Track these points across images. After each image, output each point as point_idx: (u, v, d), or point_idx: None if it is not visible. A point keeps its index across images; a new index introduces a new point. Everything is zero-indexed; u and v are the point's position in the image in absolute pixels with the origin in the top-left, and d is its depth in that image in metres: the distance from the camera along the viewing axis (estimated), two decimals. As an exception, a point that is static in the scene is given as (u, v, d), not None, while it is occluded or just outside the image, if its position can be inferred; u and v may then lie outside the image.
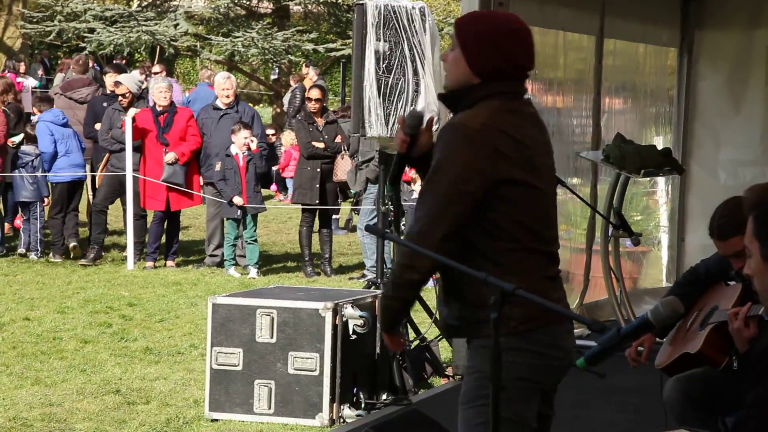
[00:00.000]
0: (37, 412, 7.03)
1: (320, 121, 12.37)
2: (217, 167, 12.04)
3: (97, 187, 13.04)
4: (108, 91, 13.55)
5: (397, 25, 7.73)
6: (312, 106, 12.45)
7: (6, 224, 13.53)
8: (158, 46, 28.15)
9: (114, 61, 22.39)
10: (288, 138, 16.78)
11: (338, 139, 12.36)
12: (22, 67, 24.67)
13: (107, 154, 12.69)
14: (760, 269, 3.11)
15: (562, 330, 3.82)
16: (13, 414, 6.97)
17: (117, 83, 12.85)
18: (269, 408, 7.06)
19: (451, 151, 3.71)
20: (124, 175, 12.33)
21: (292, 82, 21.75)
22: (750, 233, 3.12)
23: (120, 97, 12.58)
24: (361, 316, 7.08)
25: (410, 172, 12.04)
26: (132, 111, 12.58)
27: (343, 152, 12.36)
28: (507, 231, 3.76)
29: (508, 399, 3.51)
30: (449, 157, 3.72)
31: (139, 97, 13.10)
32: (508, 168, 3.73)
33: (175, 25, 25.69)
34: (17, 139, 13.48)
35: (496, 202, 3.74)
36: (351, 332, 7.09)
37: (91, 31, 25.63)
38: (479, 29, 3.86)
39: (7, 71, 22.62)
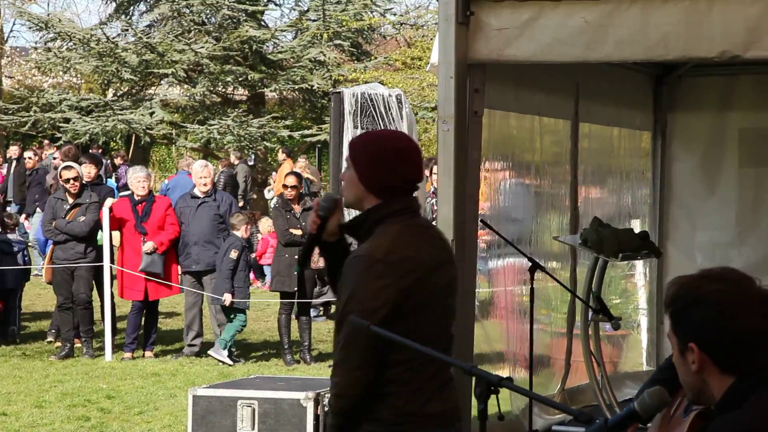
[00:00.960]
0: None
1: (297, 208, 12.39)
2: (233, 254, 12.06)
3: (45, 280, 12.86)
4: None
5: (374, 113, 7.80)
6: (288, 193, 12.48)
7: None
8: (134, 135, 28.26)
9: (90, 151, 22.45)
10: (265, 225, 16.79)
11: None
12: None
13: (51, 247, 12.58)
14: (679, 363, 3.19)
15: None
16: None
17: (69, 167, 12.66)
18: (252, 501, 6.97)
19: (360, 281, 3.99)
20: (76, 266, 12.22)
21: (220, 166, 22.11)
22: (669, 328, 3.19)
23: (71, 182, 12.42)
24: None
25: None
26: (109, 201, 12.57)
27: (321, 239, 12.36)
28: (404, 346, 3.94)
29: None
30: (358, 286, 3.99)
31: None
32: (408, 293, 4.01)
33: (151, 113, 25.81)
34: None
35: (398, 320, 4.01)
36: (333, 422, 7.04)
37: (67, 120, 25.71)
38: (370, 150, 4.17)
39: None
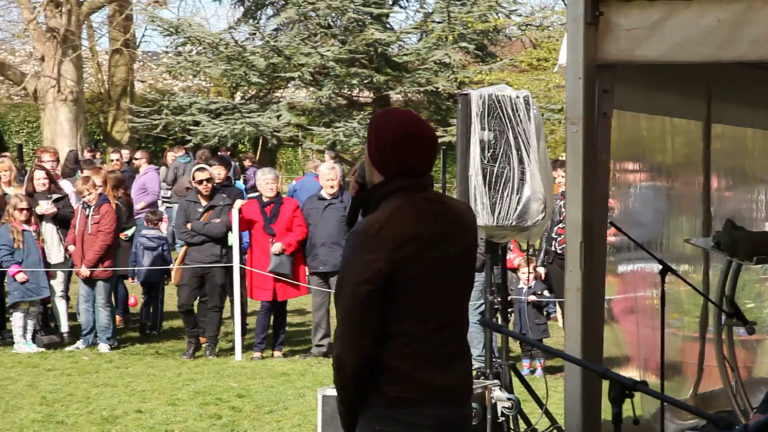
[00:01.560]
0: (151, 505, 7.09)
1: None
2: None
3: (173, 282, 13.11)
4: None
5: (501, 114, 7.76)
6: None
7: (117, 316, 13.75)
8: (261, 137, 28.63)
9: (218, 153, 22.81)
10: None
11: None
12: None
13: (184, 248, 12.78)
14: None
15: (438, 410, 4.18)
16: (128, 508, 7.03)
17: (202, 169, 12.96)
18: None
19: (353, 254, 4.16)
20: (210, 270, 12.42)
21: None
22: None
23: (203, 183, 12.67)
24: (471, 407, 7.03)
25: (514, 260, 12.00)
26: (238, 202, 12.77)
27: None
28: (399, 318, 4.15)
29: None
30: (352, 259, 4.16)
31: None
32: (399, 266, 4.12)
33: (278, 116, 26.12)
34: (130, 232, 13.79)
35: (394, 292, 4.13)
36: (461, 424, 7.04)
37: (196, 123, 26.17)
38: (381, 129, 4.31)
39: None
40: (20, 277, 12.41)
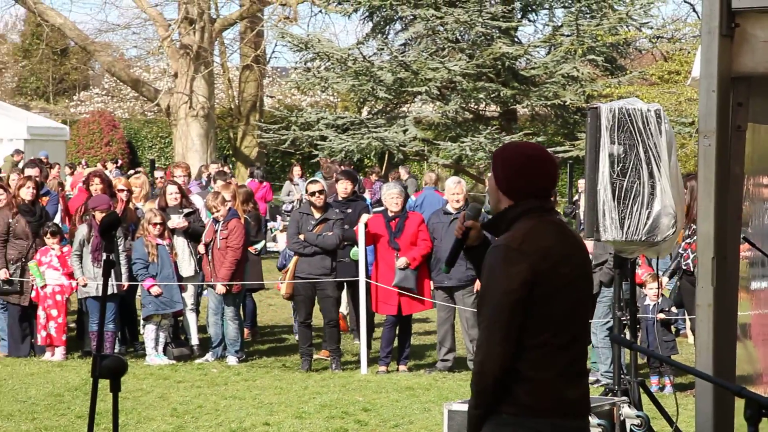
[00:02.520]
0: None
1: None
2: None
3: (284, 295, 13.16)
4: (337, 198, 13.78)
5: (632, 128, 7.65)
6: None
7: (246, 329, 13.92)
8: (387, 152, 28.75)
9: (345, 169, 22.97)
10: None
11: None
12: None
13: (295, 259, 12.80)
14: None
15: (566, 423, 4.44)
16: None
17: (314, 181, 13.09)
18: None
19: (497, 267, 4.46)
20: (320, 284, 12.45)
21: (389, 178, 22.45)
22: None
23: (316, 195, 12.77)
24: (599, 424, 6.94)
25: (642, 275, 11.81)
26: (365, 216, 12.83)
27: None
28: (536, 331, 4.43)
29: None
30: (496, 271, 4.45)
31: None
32: (539, 279, 4.43)
33: (404, 131, 26.19)
34: (259, 246, 13.94)
35: (533, 304, 4.43)
36: (590, 441, 6.95)
37: (323, 138, 26.40)
38: (506, 157, 4.65)
39: (251, 180, 23.48)
40: (155, 290, 12.66)
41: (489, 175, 4.76)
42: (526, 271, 4.41)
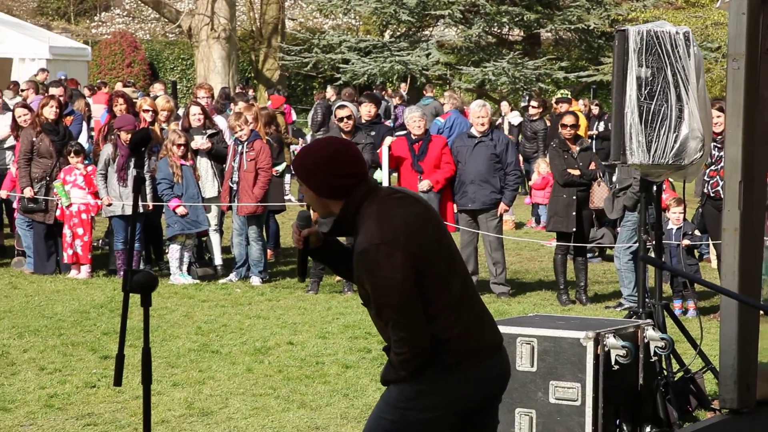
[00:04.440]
0: (304, 434, 7.23)
1: (574, 149, 12.30)
2: None
3: (312, 218, 13.15)
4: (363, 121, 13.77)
5: (660, 51, 7.59)
6: (567, 132, 12.39)
7: (269, 250, 13.98)
8: (410, 75, 28.63)
9: (368, 92, 22.90)
10: (543, 165, 16.74)
11: (593, 166, 12.26)
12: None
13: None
14: None
15: (483, 365, 4.60)
16: (281, 435, 7.19)
17: (342, 106, 13.08)
18: (530, 437, 7.02)
19: (375, 268, 4.46)
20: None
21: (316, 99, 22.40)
22: None
23: (344, 120, 12.76)
24: (623, 346, 6.98)
25: (666, 200, 11.79)
26: (388, 139, 12.82)
27: (599, 179, 12.24)
28: (435, 298, 4.54)
29: (419, 419, 4.54)
30: (377, 273, 4.46)
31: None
32: (415, 256, 4.49)
33: (427, 55, 26.07)
34: (281, 168, 13.95)
35: (422, 278, 4.52)
36: (613, 362, 6.99)
37: (346, 61, 26.29)
38: (309, 168, 4.64)
39: (271, 94, 23.39)
40: (180, 210, 12.70)
41: (300, 194, 4.82)
42: (403, 258, 4.45)
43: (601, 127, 20.07)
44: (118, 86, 23.70)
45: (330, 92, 23.96)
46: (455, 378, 4.56)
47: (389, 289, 4.46)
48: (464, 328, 4.57)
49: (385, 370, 4.66)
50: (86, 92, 22.79)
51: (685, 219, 11.75)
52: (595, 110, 21.70)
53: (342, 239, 5.11)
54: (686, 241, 11.51)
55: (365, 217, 4.57)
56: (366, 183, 4.64)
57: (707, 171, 11.35)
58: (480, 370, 4.60)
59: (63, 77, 23.22)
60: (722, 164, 10.27)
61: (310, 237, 4.79)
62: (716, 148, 10.91)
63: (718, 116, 10.71)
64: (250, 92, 24.68)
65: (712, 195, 11.33)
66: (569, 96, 19.91)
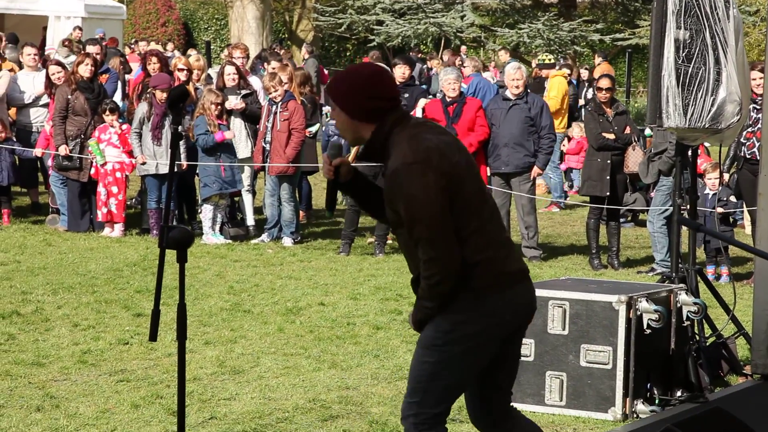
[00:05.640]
0: (335, 394, 7.26)
1: (609, 112, 12.22)
2: None
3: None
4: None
5: (699, 13, 7.51)
6: (602, 96, 12.31)
7: (301, 212, 13.99)
8: (444, 38, 28.50)
9: (402, 54, 22.82)
10: (577, 130, 16.64)
11: (628, 130, 12.18)
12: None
13: (355, 147, 12.72)
14: None
15: (513, 291, 4.68)
16: (313, 396, 7.22)
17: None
18: (561, 400, 7.04)
19: (409, 186, 4.52)
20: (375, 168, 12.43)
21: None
22: None
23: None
24: (656, 310, 6.96)
25: (702, 165, 11.71)
26: (422, 101, 12.78)
27: (634, 143, 12.16)
28: (466, 222, 4.61)
29: (459, 351, 4.60)
30: (410, 191, 4.52)
31: None
32: (447, 177, 4.56)
33: (462, 17, 25.93)
34: (314, 129, 13.93)
35: (454, 200, 4.58)
36: (645, 326, 6.98)
37: (380, 23, 26.19)
38: (346, 88, 4.68)
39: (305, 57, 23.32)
40: (228, 134, 12.71)
41: (334, 119, 4.82)
42: (435, 177, 4.51)
43: (590, 94, 19.07)
44: (151, 45, 23.70)
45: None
46: (488, 303, 4.62)
47: (421, 206, 4.50)
48: (493, 252, 4.64)
49: (414, 313, 4.70)
50: (127, 51, 22.83)
51: (722, 184, 11.66)
52: (585, 74, 21.07)
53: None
54: (720, 209, 11.43)
55: (397, 141, 4.62)
56: (399, 109, 4.71)
57: (744, 133, 11.25)
58: (509, 295, 4.67)
59: (102, 34, 23.24)
60: (759, 126, 10.18)
61: (341, 168, 4.80)
62: (755, 110, 10.80)
63: (761, 77, 10.60)
64: (282, 52, 24.63)
65: (748, 156, 11.23)
66: (552, 61, 19.49)
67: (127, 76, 17.72)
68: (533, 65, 20.72)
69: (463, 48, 27.35)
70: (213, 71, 15.60)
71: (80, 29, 24.05)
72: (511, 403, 4.95)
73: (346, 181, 4.83)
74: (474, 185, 4.67)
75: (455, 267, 4.55)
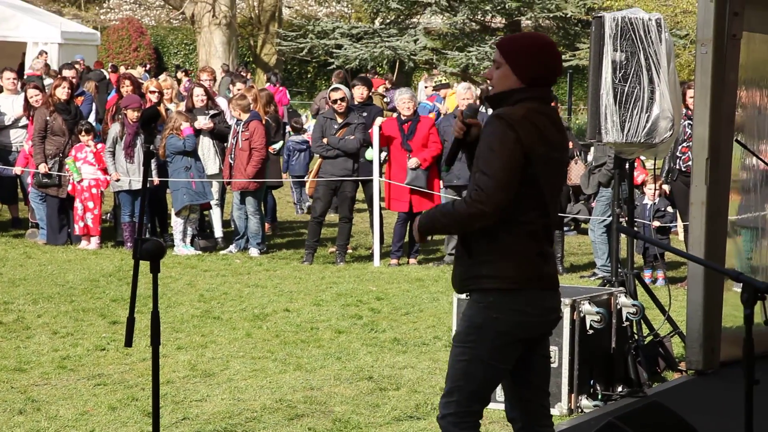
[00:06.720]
0: (300, 395, 7.25)
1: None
2: None
3: (308, 193, 13.14)
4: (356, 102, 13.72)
5: (633, 36, 7.59)
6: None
7: (266, 224, 13.97)
8: (398, 60, 28.58)
9: (360, 75, 22.84)
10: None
11: (570, 145, 12.26)
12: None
13: (318, 161, 12.79)
14: None
15: (545, 293, 4.54)
16: (279, 396, 7.21)
17: (336, 89, 13.01)
18: (510, 397, 7.04)
19: (500, 135, 4.39)
20: (343, 181, 12.45)
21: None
22: None
23: (338, 102, 12.73)
24: (597, 312, 7.01)
25: (639, 177, 11.81)
26: (379, 120, 12.80)
27: (576, 157, 12.24)
28: (527, 208, 4.45)
29: (490, 348, 4.47)
30: (498, 140, 4.39)
31: None
32: (532, 157, 4.41)
33: (415, 41, 26.02)
34: (278, 146, 13.92)
35: (523, 184, 4.42)
36: (588, 327, 7.02)
37: (339, 47, 26.22)
38: (522, 45, 4.58)
39: (269, 84, 23.35)
40: (200, 124, 12.79)
41: (490, 69, 4.66)
42: (515, 138, 4.38)
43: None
44: (137, 69, 23.61)
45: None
46: (519, 301, 4.48)
47: (500, 145, 4.38)
48: (536, 249, 4.50)
49: (422, 215, 4.61)
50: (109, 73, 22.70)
51: (660, 195, 11.76)
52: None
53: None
54: (656, 223, 11.55)
55: (522, 105, 4.51)
56: (548, 90, 4.60)
57: (679, 147, 11.36)
58: (541, 296, 4.54)
59: (82, 60, 23.12)
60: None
61: (472, 129, 4.68)
62: (689, 126, 10.92)
63: (691, 97, 10.70)
64: (248, 75, 24.57)
65: (683, 169, 11.34)
66: (448, 82, 19.56)
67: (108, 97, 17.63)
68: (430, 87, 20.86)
69: (436, 70, 27.41)
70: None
71: (45, 53, 24.09)
72: (549, 410, 4.86)
73: (471, 142, 4.66)
74: (546, 187, 4.50)
75: (498, 210, 4.38)
